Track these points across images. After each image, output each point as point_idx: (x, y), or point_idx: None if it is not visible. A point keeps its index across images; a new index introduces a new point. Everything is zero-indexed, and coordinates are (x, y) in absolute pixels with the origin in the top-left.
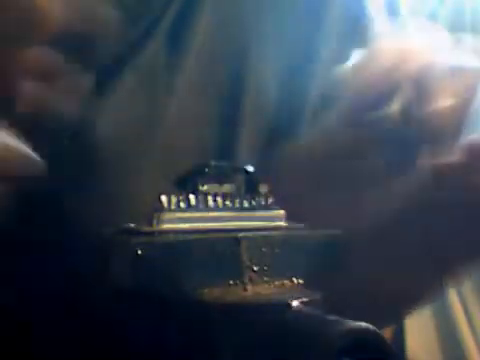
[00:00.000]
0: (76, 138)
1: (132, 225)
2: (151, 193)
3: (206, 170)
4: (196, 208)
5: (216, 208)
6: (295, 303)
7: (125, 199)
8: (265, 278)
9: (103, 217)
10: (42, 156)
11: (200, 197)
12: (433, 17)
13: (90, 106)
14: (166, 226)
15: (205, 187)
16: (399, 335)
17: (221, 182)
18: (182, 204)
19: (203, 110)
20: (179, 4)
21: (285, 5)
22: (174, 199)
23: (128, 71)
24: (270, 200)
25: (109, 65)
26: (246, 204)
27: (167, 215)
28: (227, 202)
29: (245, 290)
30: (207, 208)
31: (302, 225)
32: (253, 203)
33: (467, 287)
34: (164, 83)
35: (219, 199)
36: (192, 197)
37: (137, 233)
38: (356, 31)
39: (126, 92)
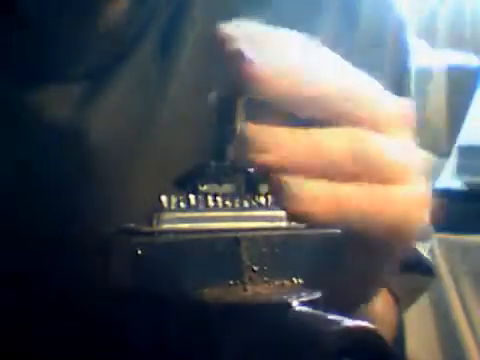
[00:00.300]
0: (76, 139)
1: (132, 225)
2: (151, 193)
3: (206, 170)
4: (196, 208)
5: (216, 208)
6: (295, 303)
7: (125, 199)
8: (265, 278)
9: (103, 217)
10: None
11: (200, 197)
12: (433, 17)
13: (88, 106)
14: (166, 226)
15: (205, 187)
16: (399, 335)
17: (221, 182)
18: (182, 204)
19: (200, 111)
20: (172, 4)
21: (280, 3)
22: (174, 199)
23: (123, 72)
24: (270, 200)
25: (104, 67)
26: (246, 204)
27: (167, 215)
28: (227, 202)
29: (245, 290)
30: (207, 208)
31: (302, 225)
32: (253, 203)
33: (467, 287)
34: (159, 84)
35: (219, 199)
36: (192, 197)
37: (137, 233)
38: (354, 30)
39: (123, 93)
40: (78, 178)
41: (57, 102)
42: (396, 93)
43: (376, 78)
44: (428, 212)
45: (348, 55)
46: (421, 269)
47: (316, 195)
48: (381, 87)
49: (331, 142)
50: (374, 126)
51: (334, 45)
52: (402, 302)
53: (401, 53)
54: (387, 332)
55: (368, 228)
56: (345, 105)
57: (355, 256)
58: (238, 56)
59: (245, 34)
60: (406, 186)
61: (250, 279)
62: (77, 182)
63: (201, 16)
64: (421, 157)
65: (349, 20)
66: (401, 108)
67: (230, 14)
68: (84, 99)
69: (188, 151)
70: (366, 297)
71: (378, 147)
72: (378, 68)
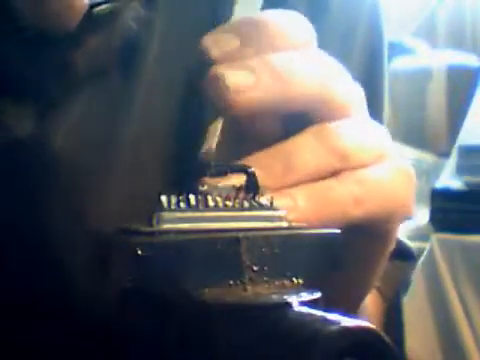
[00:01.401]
0: (41, 151)
1: (132, 225)
2: (150, 193)
3: (206, 170)
4: (196, 208)
5: (216, 208)
6: (295, 303)
7: (125, 199)
8: (265, 278)
9: (103, 217)
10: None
11: (200, 197)
12: (433, 17)
13: (50, 118)
14: (166, 226)
15: (205, 187)
16: (399, 335)
17: (221, 182)
18: (182, 204)
19: (168, 114)
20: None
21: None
22: (174, 199)
23: (85, 85)
24: (270, 200)
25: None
26: (246, 204)
27: (167, 215)
28: (227, 202)
29: (245, 290)
30: (207, 208)
31: (302, 225)
32: (253, 203)
33: (467, 287)
34: (125, 90)
35: (219, 199)
36: (192, 197)
37: (137, 233)
38: (324, 16)
39: (87, 101)
40: (47, 188)
41: (18, 116)
42: (368, 81)
43: (347, 66)
44: (414, 182)
45: (318, 42)
46: (400, 255)
47: (306, 199)
48: (344, 71)
49: (303, 152)
50: (342, 113)
51: None
52: (384, 292)
53: (374, 41)
54: (374, 325)
55: (367, 213)
56: (318, 100)
57: (358, 250)
58: (217, 84)
59: (225, 42)
60: (385, 162)
61: (250, 279)
62: (47, 192)
63: (162, 18)
64: (384, 131)
65: (319, 6)
66: (357, 90)
67: (192, 11)
68: (46, 111)
69: (158, 155)
70: (365, 294)
71: (347, 134)
72: (349, 55)
